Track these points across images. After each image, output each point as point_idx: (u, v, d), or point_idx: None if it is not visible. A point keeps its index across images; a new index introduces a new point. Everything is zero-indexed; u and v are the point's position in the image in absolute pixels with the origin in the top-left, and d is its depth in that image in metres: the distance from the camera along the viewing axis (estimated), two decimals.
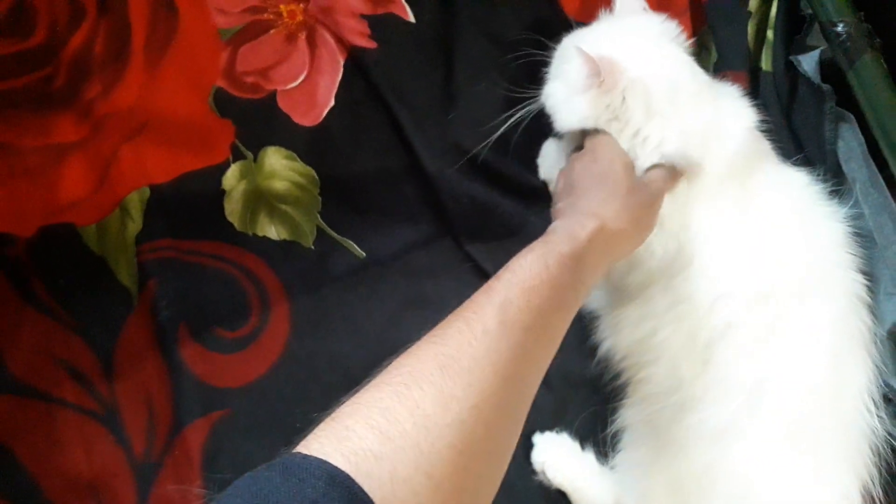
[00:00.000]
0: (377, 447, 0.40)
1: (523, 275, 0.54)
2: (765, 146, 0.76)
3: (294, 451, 0.39)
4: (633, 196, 0.66)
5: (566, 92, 0.72)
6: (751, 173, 0.72)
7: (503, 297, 0.51)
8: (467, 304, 0.52)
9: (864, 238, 0.73)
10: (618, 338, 0.76)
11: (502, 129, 0.78)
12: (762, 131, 0.76)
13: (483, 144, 0.81)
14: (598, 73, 0.68)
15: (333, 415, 0.42)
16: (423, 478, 0.40)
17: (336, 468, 0.38)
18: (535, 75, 0.78)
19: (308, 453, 0.39)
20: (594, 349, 0.80)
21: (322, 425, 0.42)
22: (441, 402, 0.43)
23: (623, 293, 0.76)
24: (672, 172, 0.71)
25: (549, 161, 0.83)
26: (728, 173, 0.71)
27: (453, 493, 0.42)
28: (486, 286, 0.53)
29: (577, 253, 0.58)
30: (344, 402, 0.44)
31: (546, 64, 0.77)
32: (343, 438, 0.40)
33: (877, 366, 0.70)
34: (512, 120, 0.76)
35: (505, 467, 0.48)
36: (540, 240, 0.59)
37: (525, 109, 0.76)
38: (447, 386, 0.44)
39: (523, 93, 0.76)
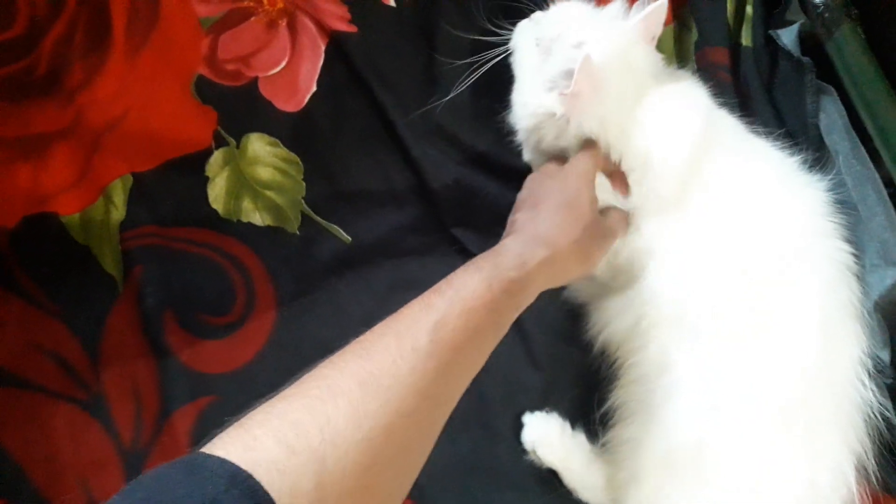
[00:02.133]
0: (282, 461, 0.40)
1: (465, 294, 0.54)
2: (727, 123, 0.75)
3: (198, 451, 0.40)
4: (589, 232, 0.66)
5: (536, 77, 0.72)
6: (716, 153, 0.72)
7: (441, 314, 0.52)
8: (403, 313, 0.52)
9: (848, 209, 0.73)
10: (608, 328, 0.76)
11: (476, 75, 0.76)
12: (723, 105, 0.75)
13: (457, 85, 0.79)
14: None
15: (242, 421, 0.43)
16: (324, 493, 0.41)
17: (238, 468, 0.38)
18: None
19: (209, 452, 0.39)
20: (583, 333, 0.80)
21: (230, 430, 0.42)
22: (354, 420, 0.44)
23: (606, 285, 0.76)
24: (627, 217, 0.72)
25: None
26: (688, 168, 0.71)
27: None
28: (425, 299, 0.54)
29: (523, 280, 0.59)
30: (256, 406, 0.44)
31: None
32: (249, 448, 0.40)
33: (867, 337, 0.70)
34: (485, 65, 0.75)
35: (414, 477, 0.49)
36: (489, 257, 0.59)
37: (498, 54, 0.75)
38: (363, 403, 0.45)
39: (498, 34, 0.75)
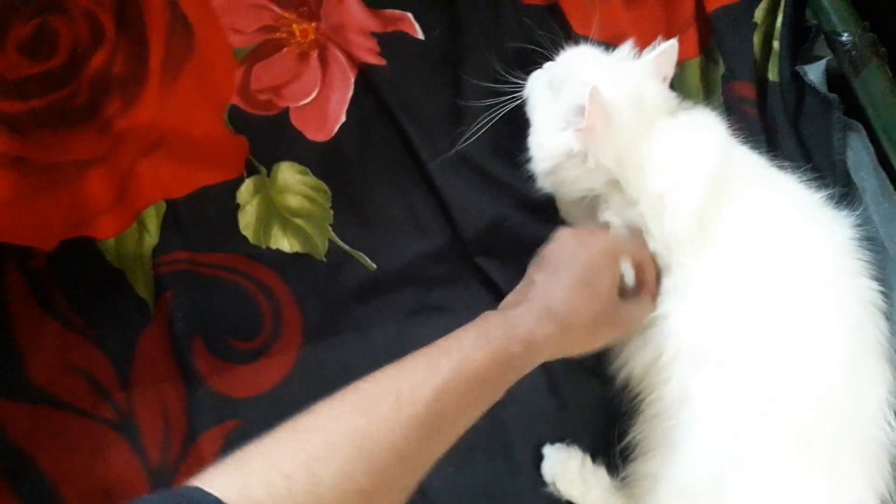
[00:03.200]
0: None
1: (471, 363, 0.55)
2: (747, 158, 0.75)
3: (194, 484, 0.42)
4: (602, 319, 0.66)
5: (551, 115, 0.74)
6: (737, 188, 0.71)
7: (443, 380, 0.53)
8: (408, 367, 0.54)
9: (876, 247, 0.72)
10: (629, 363, 0.76)
11: (491, 122, 0.78)
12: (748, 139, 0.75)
13: (473, 128, 0.81)
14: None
15: (239, 458, 0.45)
16: None
17: None
18: None
19: (206, 490, 0.41)
20: (605, 365, 0.80)
21: (226, 467, 0.45)
22: (341, 482, 0.46)
23: None
24: (649, 305, 0.72)
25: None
26: (703, 206, 0.71)
27: None
28: (433, 358, 0.55)
29: (530, 356, 0.61)
30: (255, 443, 0.47)
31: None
32: (243, 489, 0.42)
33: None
34: (502, 108, 0.77)
35: None
36: (501, 327, 0.60)
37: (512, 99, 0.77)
38: (354, 467, 0.46)
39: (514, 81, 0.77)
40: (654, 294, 0.72)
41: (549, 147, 0.73)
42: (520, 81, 0.78)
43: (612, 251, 0.69)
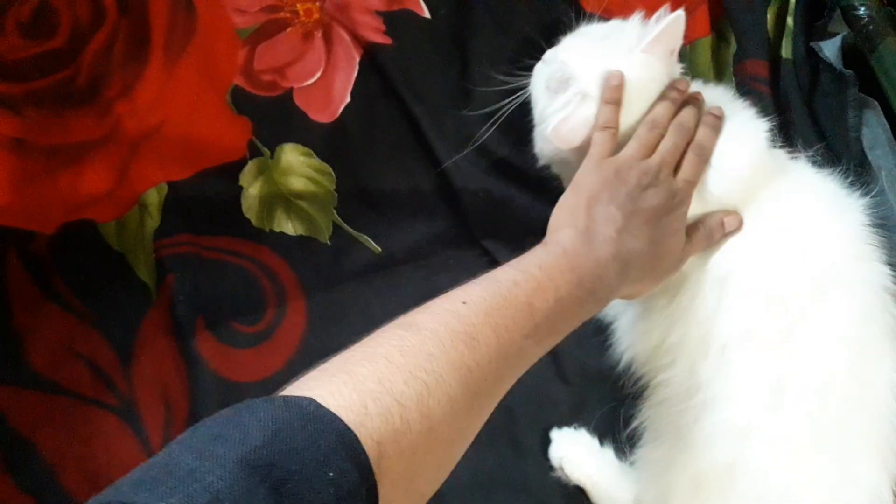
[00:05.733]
0: (380, 430, 0.40)
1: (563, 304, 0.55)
2: (775, 155, 0.73)
3: (306, 396, 0.39)
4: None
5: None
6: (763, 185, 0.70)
7: (536, 322, 0.52)
8: (501, 304, 0.52)
9: (891, 228, 0.71)
10: (635, 345, 0.75)
11: (505, 113, 0.77)
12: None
13: (486, 128, 0.80)
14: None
15: (348, 369, 0.42)
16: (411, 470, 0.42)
17: (346, 428, 0.38)
18: None
19: (323, 405, 0.39)
20: (611, 347, 0.79)
21: (337, 378, 0.41)
22: (447, 419, 0.45)
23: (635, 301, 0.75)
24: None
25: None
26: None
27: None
28: (530, 295, 0.53)
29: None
30: (362, 350, 0.46)
31: None
32: (360, 410, 0.40)
33: None
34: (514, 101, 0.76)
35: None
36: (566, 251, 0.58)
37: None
38: (458, 403, 0.46)
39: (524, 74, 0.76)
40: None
41: (539, 143, 0.74)
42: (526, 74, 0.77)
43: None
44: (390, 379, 0.42)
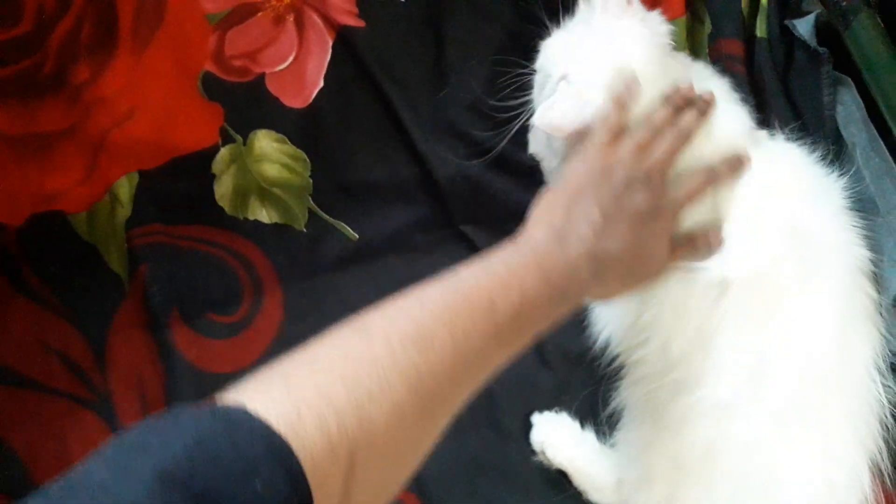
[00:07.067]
0: (317, 441, 0.38)
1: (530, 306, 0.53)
2: (756, 136, 0.73)
3: (235, 403, 0.37)
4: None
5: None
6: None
7: (497, 322, 0.51)
8: (460, 303, 0.50)
9: (866, 206, 0.71)
10: (610, 323, 0.75)
11: (503, 143, 0.76)
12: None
13: (485, 158, 0.81)
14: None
15: (286, 373, 0.41)
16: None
17: (278, 437, 0.36)
18: (527, 53, 0.76)
19: (253, 412, 0.37)
20: (588, 326, 0.78)
21: (273, 383, 0.40)
22: (392, 425, 0.42)
23: None
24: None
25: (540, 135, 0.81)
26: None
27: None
28: (489, 293, 0.51)
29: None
30: (302, 355, 0.43)
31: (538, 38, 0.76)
32: (295, 418, 0.38)
33: (884, 336, 0.68)
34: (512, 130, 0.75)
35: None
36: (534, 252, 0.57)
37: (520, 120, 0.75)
38: (405, 409, 0.43)
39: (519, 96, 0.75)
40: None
41: (532, 142, 0.74)
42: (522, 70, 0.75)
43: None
44: (329, 385, 0.41)
